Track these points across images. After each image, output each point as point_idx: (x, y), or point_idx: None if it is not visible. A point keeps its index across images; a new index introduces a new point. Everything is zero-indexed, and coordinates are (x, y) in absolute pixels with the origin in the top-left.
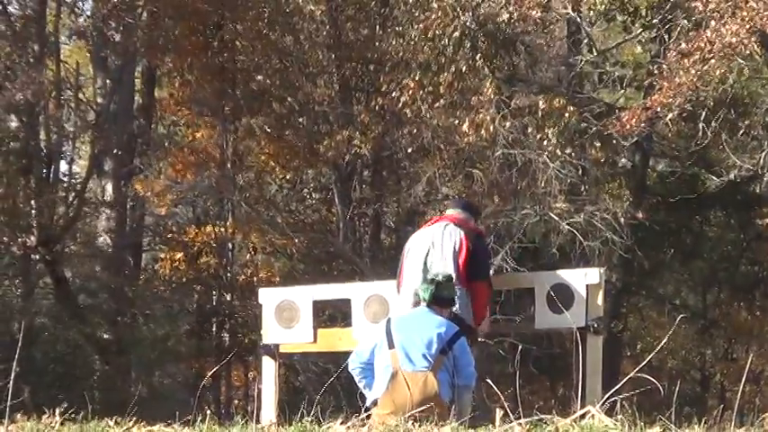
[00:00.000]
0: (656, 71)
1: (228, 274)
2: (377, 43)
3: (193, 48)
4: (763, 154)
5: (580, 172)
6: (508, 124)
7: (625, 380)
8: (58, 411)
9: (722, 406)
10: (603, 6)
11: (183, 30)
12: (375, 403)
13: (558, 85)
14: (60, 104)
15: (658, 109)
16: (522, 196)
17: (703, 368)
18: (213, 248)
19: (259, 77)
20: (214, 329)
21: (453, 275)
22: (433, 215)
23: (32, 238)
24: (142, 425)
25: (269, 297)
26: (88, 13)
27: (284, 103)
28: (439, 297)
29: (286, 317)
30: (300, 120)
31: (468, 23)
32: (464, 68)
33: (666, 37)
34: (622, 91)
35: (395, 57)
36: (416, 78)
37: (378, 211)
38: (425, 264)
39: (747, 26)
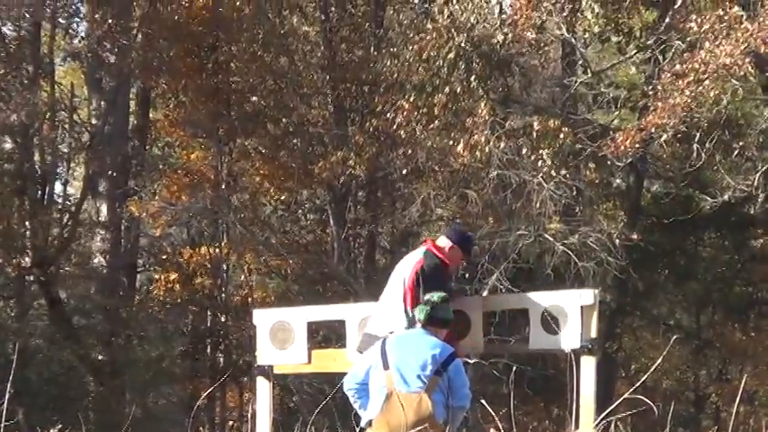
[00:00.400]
0: (650, 92)
1: (223, 295)
2: (371, 64)
3: (188, 69)
4: (758, 175)
5: (575, 193)
6: (503, 145)
7: (619, 401)
8: None
9: (716, 427)
10: (598, 28)
11: (177, 51)
12: (370, 424)
13: (553, 107)
14: (55, 126)
15: (653, 130)
16: (516, 217)
17: (697, 389)
18: (208, 269)
19: (253, 99)
20: (209, 350)
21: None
22: (427, 236)
23: (27, 259)
24: None
25: (263, 318)
26: (83, 34)
27: (279, 125)
28: (434, 318)
29: (280, 338)
30: (295, 141)
31: (462, 44)
32: (458, 90)
33: (661, 58)
34: (617, 112)
35: (389, 78)
36: (411, 99)
37: (372, 232)
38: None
39: (742, 47)
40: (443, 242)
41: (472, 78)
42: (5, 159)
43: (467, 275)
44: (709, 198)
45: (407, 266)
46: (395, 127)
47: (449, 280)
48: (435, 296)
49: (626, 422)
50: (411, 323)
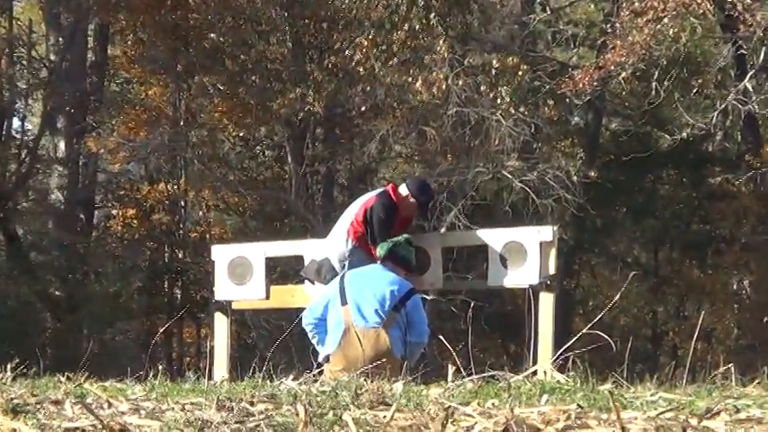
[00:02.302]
0: (609, 30)
1: (181, 231)
2: (330, 1)
3: (146, 5)
4: (716, 113)
5: (533, 130)
6: (461, 82)
7: (577, 336)
8: (9, 367)
9: (674, 363)
10: None
11: None
12: (327, 359)
13: (512, 44)
14: (13, 62)
15: (611, 68)
16: (474, 154)
17: (655, 326)
18: (166, 205)
19: (212, 35)
20: (166, 286)
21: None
22: (385, 173)
23: None
24: (94, 381)
25: (222, 254)
26: None
27: (237, 61)
28: (395, 255)
29: (239, 273)
30: (253, 78)
31: None
32: (417, 27)
33: None
34: (576, 50)
35: (348, 15)
36: (370, 36)
37: (330, 168)
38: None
39: None
40: (403, 190)
41: (431, 15)
42: None
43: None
44: (667, 135)
45: (359, 202)
46: (353, 64)
47: (400, 227)
48: (402, 238)
49: (583, 358)
50: (351, 256)
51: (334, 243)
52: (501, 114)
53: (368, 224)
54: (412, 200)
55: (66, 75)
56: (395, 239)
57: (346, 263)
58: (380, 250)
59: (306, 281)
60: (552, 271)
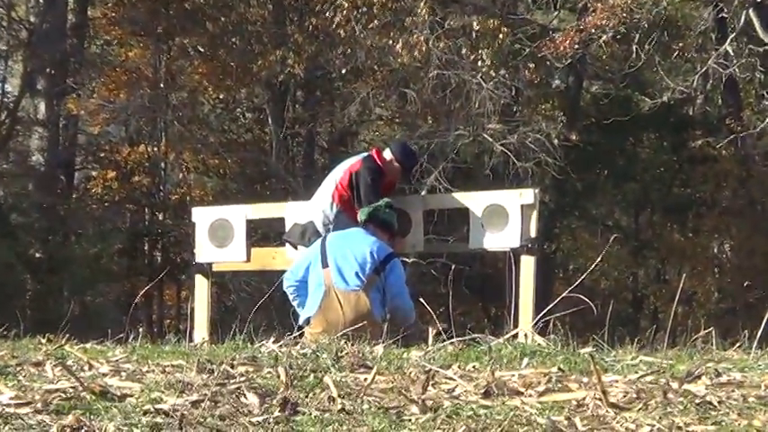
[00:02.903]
0: None
1: (161, 193)
2: None
3: None
4: (696, 76)
5: (513, 93)
6: (442, 45)
7: (558, 299)
8: None
9: (654, 327)
10: None
11: None
12: (308, 322)
13: (492, 6)
14: None
15: (592, 31)
16: (455, 117)
17: (636, 289)
18: (146, 167)
19: None
20: (146, 248)
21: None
22: (366, 135)
23: None
24: (74, 343)
25: (202, 216)
26: None
27: (217, 23)
28: (376, 218)
29: (219, 235)
30: (234, 39)
31: None
32: None
33: None
34: (556, 12)
35: None
36: None
37: (311, 131)
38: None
39: None
40: (387, 154)
41: None
42: None
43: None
44: (648, 99)
45: (344, 166)
46: (334, 26)
47: (384, 191)
48: (383, 202)
49: (564, 321)
50: (336, 219)
51: (318, 206)
52: (481, 77)
53: (353, 188)
54: (396, 164)
55: (46, 36)
56: (379, 204)
57: (331, 226)
58: (361, 215)
59: (287, 244)
60: (533, 234)
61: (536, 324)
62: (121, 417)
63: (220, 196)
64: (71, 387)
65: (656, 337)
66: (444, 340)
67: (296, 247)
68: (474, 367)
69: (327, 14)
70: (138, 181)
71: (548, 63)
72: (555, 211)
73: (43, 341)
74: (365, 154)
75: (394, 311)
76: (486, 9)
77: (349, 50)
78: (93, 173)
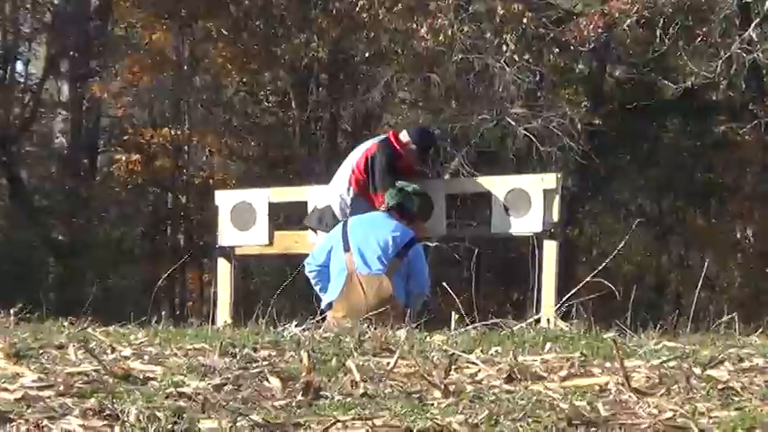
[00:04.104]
0: None
1: (184, 177)
2: None
3: None
4: (720, 61)
5: (537, 77)
6: (466, 29)
7: (581, 284)
8: (12, 311)
9: (677, 312)
10: None
11: None
12: (330, 306)
13: None
14: (16, 5)
15: (616, 15)
16: (479, 101)
17: (659, 274)
18: (169, 150)
19: None
20: (169, 232)
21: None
22: (389, 119)
23: None
24: (97, 326)
25: (225, 199)
26: None
27: (241, 6)
28: (402, 205)
29: (242, 219)
30: (257, 23)
31: None
32: None
33: None
34: None
35: None
36: None
37: (334, 114)
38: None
39: None
40: (404, 137)
41: None
42: None
43: (431, 162)
44: (671, 84)
45: (361, 150)
46: (358, 9)
47: (403, 174)
48: (410, 187)
49: (587, 306)
50: (352, 204)
51: (336, 191)
52: (505, 61)
53: (369, 172)
54: (413, 146)
55: (70, 19)
56: (402, 185)
57: (348, 211)
58: (389, 199)
59: (309, 229)
60: (556, 218)
61: (558, 309)
62: (144, 400)
63: (243, 179)
64: (94, 370)
65: (679, 323)
66: (467, 325)
67: (316, 232)
68: (496, 352)
69: None
70: (161, 164)
71: (571, 48)
72: (578, 196)
73: (66, 324)
74: (382, 136)
75: (416, 298)
76: None
77: (372, 34)
78: (117, 156)
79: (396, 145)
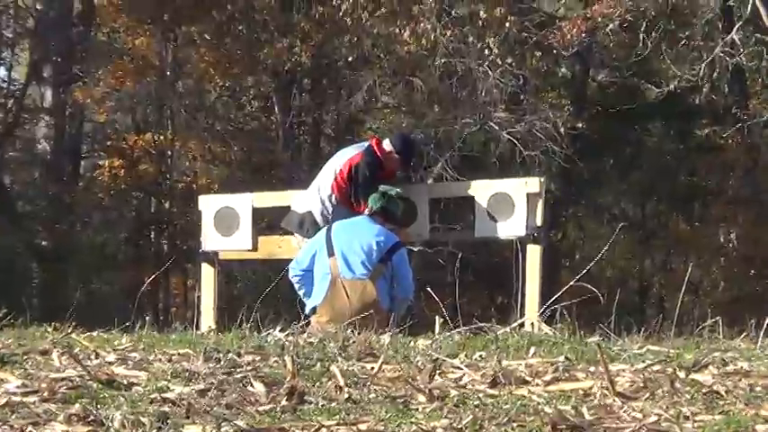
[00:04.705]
0: None
1: (167, 182)
2: None
3: None
4: (703, 65)
5: (520, 81)
6: (449, 33)
7: (565, 288)
8: None
9: (661, 316)
10: None
11: None
12: (314, 311)
13: None
14: None
15: (599, 19)
16: (462, 105)
17: (642, 278)
18: (152, 156)
19: None
20: (153, 237)
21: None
22: (372, 124)
23: None
24: (81, 331)
25: (208, 204)
26: None
27: (224, 11)
28: (386, 210)
29: (226, 224)
30: (240, 28)
31: None
32: None
33: None
34: (563, 1)
35: None
36: None
37: (317, 119)
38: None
39: None
40: (387, 145)
41: None
42: None
43: (412, 167)
44: (654, 87)
45: (344, 157)
46: (341, 14)
47: (383, 181)
48: (393, 191)
49: (571, 311)
50: (334, 212)
51: (317, 196)
52: (488, 65)
53: (352, 181)
54: (395, 156)
55: (53, 24)
56: (386, 189)
57: (330, 217)
58: (373, 203)
59: (289, 234)
60: (539, 223)
61: (542, 313)
62: (128, 405)
63: (226, 184)
64: (78, 375)
65: (663, 327)
66: (451, 329)
67: (293, 235)
68: (481, 356)
69: (334, 2)
70: (145, 169)
71: (554, 51)
72: (561, 200)
73: (49, 329)
74: (365, 144)
75: (401, 303)
76: None
77: (356, 38)
78: (100, 161)
79: (378, 154)
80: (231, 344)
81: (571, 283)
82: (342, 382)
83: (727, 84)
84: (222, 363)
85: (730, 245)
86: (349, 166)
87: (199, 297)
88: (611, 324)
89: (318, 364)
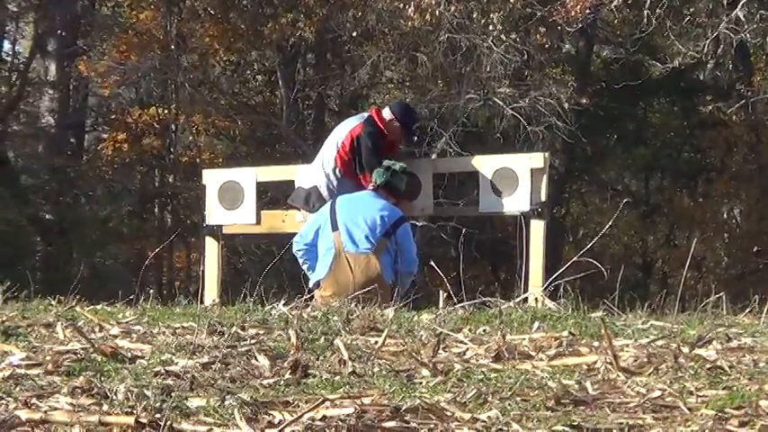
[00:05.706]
0: None
1: (171, 156)
2: None
3: None
4: (707, 41)
5: (524, 57)
6: (453, 8)
7: (568, 264)
8: (0, 290)
9: (665, 291)
10: None
11: None
12: (318, 285)
13: None
14: None
15: None
16: (466, 80)
17: (645, 254)
18: (156, 130)
19: None
20: (156, 210)
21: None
22: (376, 99)
23: None
24: (84, 304)
25: (212, 178)
26: None
27: None
28: (390, 184)
29: (229, 198)
30: (244, 2)
31: None
32: None
33: None
34: None
35: None
36: None
37: (321, 94)
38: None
39: None
40: (387, 114)
41: None
42: None
43: (416, 138)
44: (659, 64)
45: (345, 129)
46: None
47: (386, 151)
48: (397, 165)
49: (574, 286)
50: (339, 185)
51: (322, 170)
52: (492, 41)
53: (355, 153)
54: (396, 123)
55: None
56: (390, 164)
57: (335, 190)
58: (377, 177)
59: (294, 208)
60: (543, 198)
61: (546, 288)
62: (132, 378)
63: (230, 158)
64: (82, 348)
65: (666, 302)
66: (455, 304)
67: (300, 211)
68: (485, 331)
69: None
70: (149, 143)
71: (559, 27)
72: (565, 176)
73: (53, 303)
74: (365, 115)
75: (405, 277)
76: None
77: (360, 13)
78: (104, 135)
79: (379, 123)
80: (235, 317)
81: (575, 258)
82: (346, 356)
83: (731, 60)
84: (226, 336)
85: (734, 221)
86: (351, 137)
87: (203, 271)
88: (614, 299)
89: (322, 338)
